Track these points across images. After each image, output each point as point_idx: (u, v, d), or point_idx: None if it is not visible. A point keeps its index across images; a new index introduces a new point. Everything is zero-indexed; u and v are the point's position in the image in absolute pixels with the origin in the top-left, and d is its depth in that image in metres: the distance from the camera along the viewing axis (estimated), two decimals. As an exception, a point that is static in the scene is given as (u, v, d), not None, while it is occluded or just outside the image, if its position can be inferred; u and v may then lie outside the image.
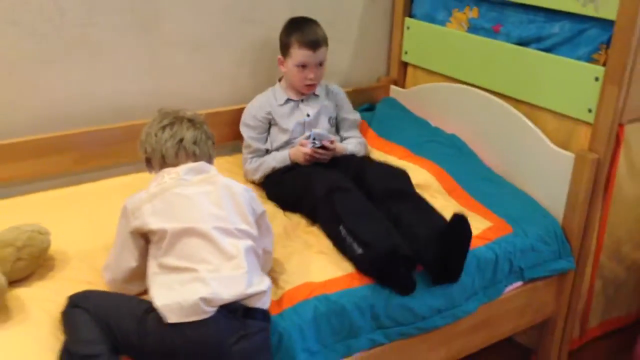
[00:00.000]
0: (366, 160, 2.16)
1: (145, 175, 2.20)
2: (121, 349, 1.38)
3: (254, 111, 2.24)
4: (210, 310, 1.32)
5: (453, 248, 1.67)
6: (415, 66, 2.66)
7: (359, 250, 1.70)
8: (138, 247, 1.51)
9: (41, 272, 1.67)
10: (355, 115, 2.38)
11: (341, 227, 1.75)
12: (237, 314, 1.36)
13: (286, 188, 2.07)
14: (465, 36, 2.38)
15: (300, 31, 2.17)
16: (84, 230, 1.86)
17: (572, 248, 2.06)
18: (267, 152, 2.23)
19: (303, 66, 2.16)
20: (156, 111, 1.73)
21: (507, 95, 2.25)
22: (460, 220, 1.64)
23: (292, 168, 2.13)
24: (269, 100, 2.25)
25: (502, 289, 1.93)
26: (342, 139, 2.30)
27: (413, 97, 2.61)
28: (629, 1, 1.83)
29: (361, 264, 1.71)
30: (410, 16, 2.64)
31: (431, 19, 2.54)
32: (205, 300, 1.32)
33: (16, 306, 1.54)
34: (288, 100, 2.24)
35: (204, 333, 1.31)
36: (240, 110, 2.29)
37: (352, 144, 2.25)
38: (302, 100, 2.25)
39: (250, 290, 1.39)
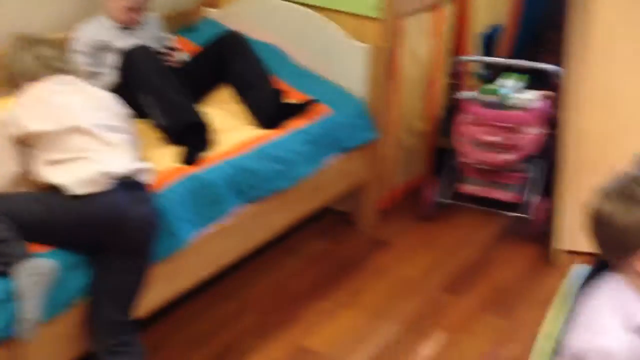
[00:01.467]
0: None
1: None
2: (29, 236, 1.59)
3: (85, 39, 2.40)
4: (108, 182, 1.60)
5: (294, 114, 2.28)
6: (227, -13, 2.97)
7: (163, 120, 2.13)
8: (19, 153, 1.71)
9: None
10: (170, 36, 2.70)
11: (148, 97, 2.14)
12: (129, 186, 1.65)
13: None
14: (268, -44, 2.75)
15: None
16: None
17: (376, 123, 2.60)
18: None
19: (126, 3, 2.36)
20: (12, 37, 1.88)
21: (310, 4, 2.67)
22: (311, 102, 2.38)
23: None
24: (98, 29, 2.42)
25: (326, 157, 2.41)
26: None
27: (227, 16, 2.92)
28: None
29: (167, 132, 2.14)
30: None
31: (236, -57, 2.86)
32: (102, 174, 1.59)
33: None
34: (121, 27, 2.43)
35: (106, 200, 1.59)
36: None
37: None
38: (131, 29, 2.46)
39: (138, 166, 1.69)
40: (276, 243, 2.55)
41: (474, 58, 2.94)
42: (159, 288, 1.85)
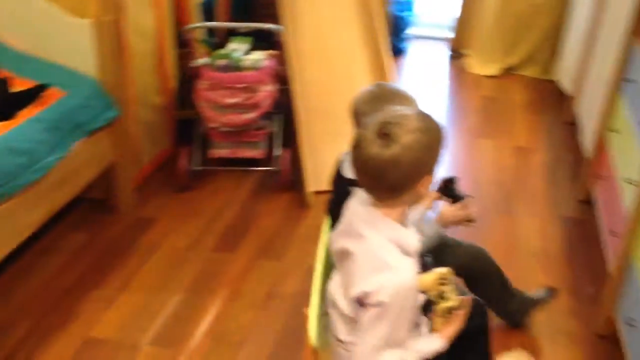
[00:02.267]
0: None
1: None
2: None
3: None
4: None
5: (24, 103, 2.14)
6: None
7: None
8: None
9: None
10: None
11: None
12: None
13: None
14: None
15: None
16: None
17: (114, 100, 2.52)
18: None
19: None
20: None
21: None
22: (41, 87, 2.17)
23: None
24: None
25: (71, 143, 2.28)
26: None
27: None
28: None
29: None
30: None
31: None
32: None
33: None
34: None
35: None
36: None
37: None
38: None
39: None
40: (32, 244, 2.36)
41: (203, 25, 3.00)
42: None
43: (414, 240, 1.35)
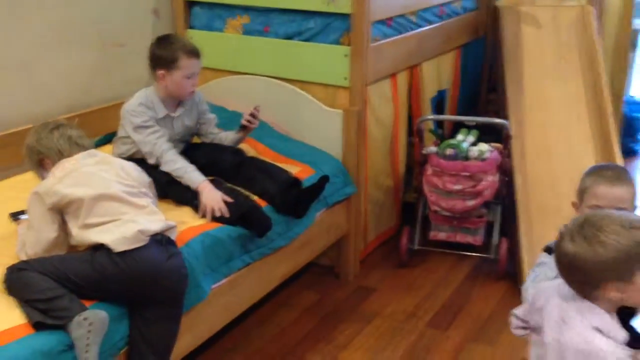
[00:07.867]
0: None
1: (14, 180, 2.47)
2: (82, 293, 1.73)
3: (141, 108, 2.37)
4: (146, 239, 1.78)
5: (311, 197, 2.48)
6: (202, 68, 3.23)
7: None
8: (56, 220, 1.86)
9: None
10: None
11: None
12: (162, 242, 1.83)
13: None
14: (241, 37, 3.05)
15: (182, 43, 2.41)
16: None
17: (353, 179, 2.87)
18: None
19: (189, 76, 2.39)
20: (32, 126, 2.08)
21: (283, 77, 2.96)
22: (325, 179, 2.51)
23: None
24: (150, 110, 2.40)
25: (314, 213, 2.64)
26: (213, 134, 2.69)
27: (207, 92, 3.17)
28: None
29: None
30: (191, 27, 3.21)
31: (209, 28, 3.15)
32: (141, 232, 1.77)
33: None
34: (166, 115, 2.46)
35: (146, 255, 1.76)
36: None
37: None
38: (175, 114, 2.49)
39: (169, 224, 1.87)
40: (272, 297, 2.72)
41: (434, 117, 3.29)
42: (184, 338, 1.99)
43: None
